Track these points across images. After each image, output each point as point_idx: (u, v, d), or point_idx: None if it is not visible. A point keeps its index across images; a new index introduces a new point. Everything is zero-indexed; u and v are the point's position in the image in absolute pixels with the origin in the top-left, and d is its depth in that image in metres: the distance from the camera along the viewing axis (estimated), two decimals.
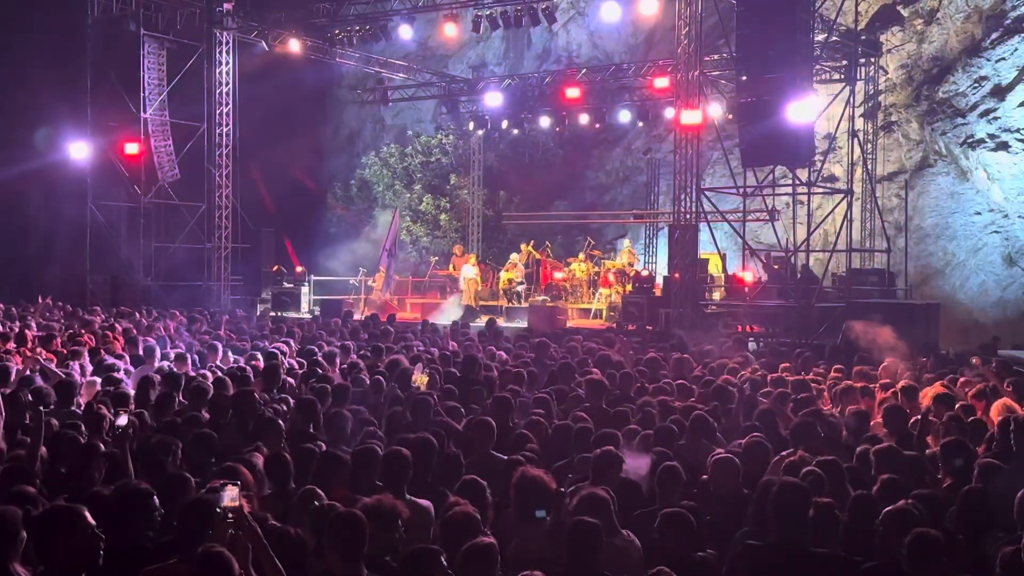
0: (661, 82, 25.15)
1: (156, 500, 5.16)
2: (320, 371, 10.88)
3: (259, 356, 12.16)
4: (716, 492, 6.47)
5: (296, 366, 11.62)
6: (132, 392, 9.29)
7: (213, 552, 4.19)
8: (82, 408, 8.37)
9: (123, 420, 6.22)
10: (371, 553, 4.87)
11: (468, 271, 25.92)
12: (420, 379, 9.46)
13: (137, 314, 19.36)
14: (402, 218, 32.51)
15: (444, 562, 4.59)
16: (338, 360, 12.08)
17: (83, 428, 7.35)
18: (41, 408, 6.90)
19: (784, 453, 6.94)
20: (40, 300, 18.39)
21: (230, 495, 4.48)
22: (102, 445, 6.57)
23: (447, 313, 23.32)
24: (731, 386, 10.16)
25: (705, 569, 5.36)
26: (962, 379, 10.94)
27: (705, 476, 6.62)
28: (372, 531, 4.85)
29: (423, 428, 7.49)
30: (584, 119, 28.69)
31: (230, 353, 12.95)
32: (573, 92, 26.67)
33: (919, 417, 8.37)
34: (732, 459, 6.60)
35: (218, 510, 4.51)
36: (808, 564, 5.01)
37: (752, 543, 5.38)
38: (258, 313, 23.37)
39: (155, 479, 6.08)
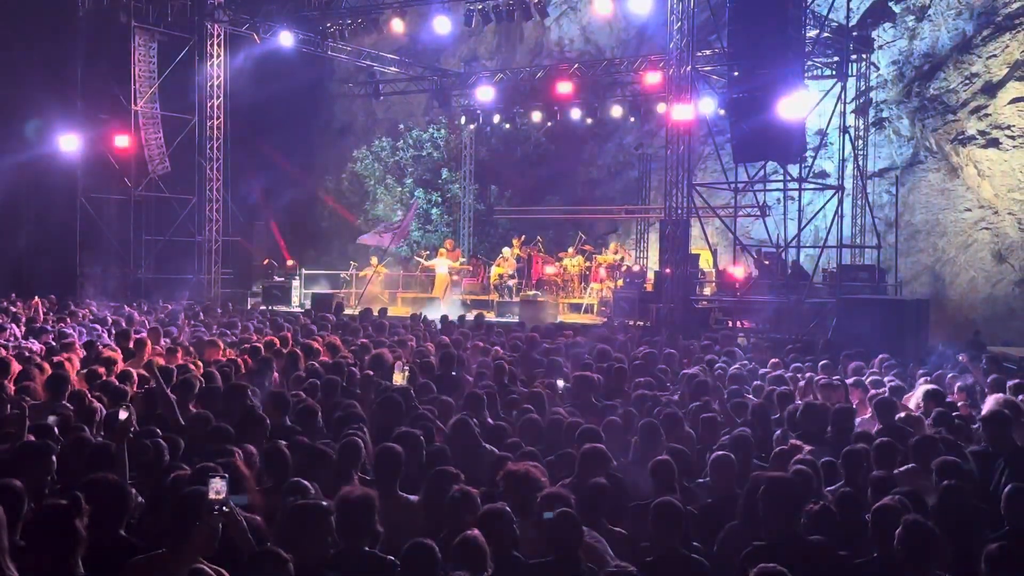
0: (653, 77, 25.15)
1: (133, 492, 5.16)
2: (310, 366, 10.87)
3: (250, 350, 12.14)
4: (711, 488, 6.52)
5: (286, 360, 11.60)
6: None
7: None
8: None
9: (124, 414, 6.20)
10: (348, 545, 4.88)
11: (441, 266, 26.09)
12: (398, 376, 9.42)
13: (127, 307, 19.35)
14: (392, 212, 32.53)
15: (439, 556, 4.61)
16: (325, 355, 12.06)
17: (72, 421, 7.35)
18: (26, 401, 6.89)
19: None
20: (29, 302, 18.34)
21: (216, 487, 4.49)
22: (90, 438, 6.56)
23: (438, 308, 23.32)
24: (717, 381, 10.21)
25: (690, 564, 5.38)
26: (950, 376, 10.99)
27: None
28: (347, 523, 4.88)
29: (400, 424, 7.52)
30: (576, 114, 28.67)
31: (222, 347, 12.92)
32: (565, 87, 26.65)
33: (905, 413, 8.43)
34: (729, 457, 6.63)
35: (205, 502, 4.53)
36: (804, 555, 5.04)
37: (758, 544, 5.38)
38: (249, 306, 23.33)
39: (146, 473, 6.08)
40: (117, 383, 9.15)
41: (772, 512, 5.39)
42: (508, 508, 5.21)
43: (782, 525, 5.35)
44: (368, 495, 5.14)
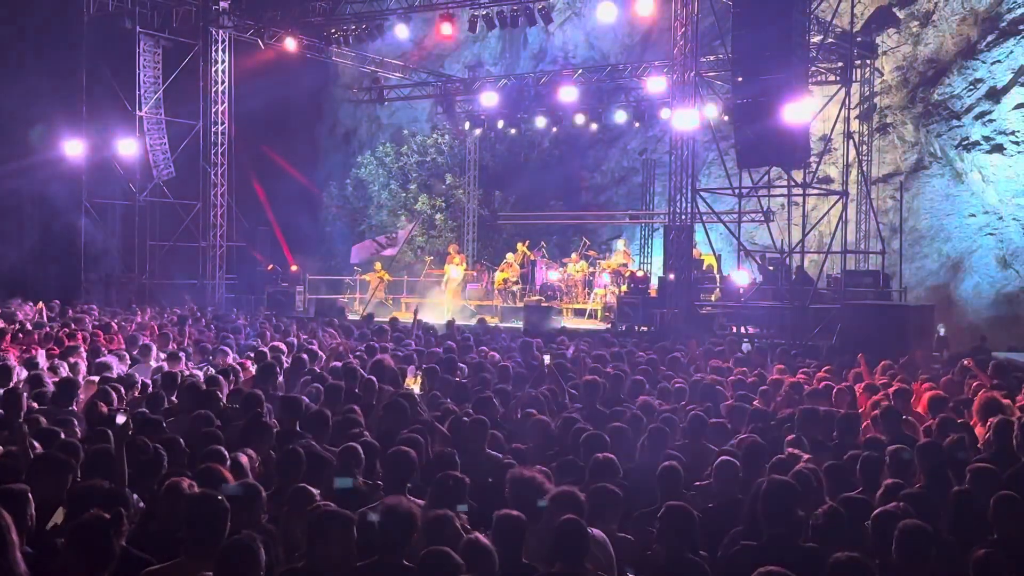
0: (657, 83, 25.16)
1: (135, 498, 5.14)
2: (312, 370, 10.87)
3: (252, 356, 12.15)
4: (714, 492, 6.49)
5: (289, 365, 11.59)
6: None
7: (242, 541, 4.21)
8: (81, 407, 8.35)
9: (121, 419, 6.19)
10: (387, 555, 4.87)
11: (452, 272, 26.08)
12: (411, 381, 9.40)
13: (139, 313, 19.35)
14: (396, 217, 32.56)
15: (461, 564, 4.56)
16: (328, 360, 12.06)
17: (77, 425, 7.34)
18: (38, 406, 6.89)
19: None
20: (31, 306, 18.35)
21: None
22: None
23: (441, 313, 23.30)
24: (720, 387, 10.19)
25: (699, 570, 5.36)
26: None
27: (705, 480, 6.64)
28: (387, 532, 4.86)
29: (405, 428, 7.52)
30: (580, 119, 28.69)
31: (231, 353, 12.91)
32: (569, 92, 26.66)
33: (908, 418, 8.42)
34: (732, 462, 6.60)
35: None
36: (798, 560, 5.01)
37: (747, 543, 5.39)
38: (253, 311, 23.32)
39: (146, 478, 6.07)
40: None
41: (768, 514, 5.39)
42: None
43: (778, 527, 5.34)
44: (413, 510, 5.08)
